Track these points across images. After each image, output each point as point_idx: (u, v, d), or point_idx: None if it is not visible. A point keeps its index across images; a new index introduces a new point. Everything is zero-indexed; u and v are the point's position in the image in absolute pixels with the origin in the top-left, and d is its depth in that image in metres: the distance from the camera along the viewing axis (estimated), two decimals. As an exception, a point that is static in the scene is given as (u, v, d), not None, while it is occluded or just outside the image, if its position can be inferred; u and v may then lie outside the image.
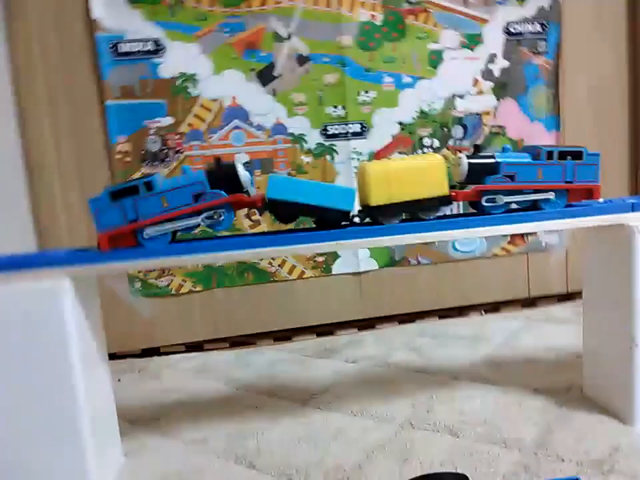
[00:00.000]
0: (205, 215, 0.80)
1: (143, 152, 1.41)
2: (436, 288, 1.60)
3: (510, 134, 1.57)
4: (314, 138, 1.48)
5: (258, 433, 0.97)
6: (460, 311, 1.65)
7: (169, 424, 1.03)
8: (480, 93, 1.54)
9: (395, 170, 0.82)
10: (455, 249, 1.59)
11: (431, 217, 0.84)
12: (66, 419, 0.78)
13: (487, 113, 1.55)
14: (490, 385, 1.07)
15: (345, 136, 1.49)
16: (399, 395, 1.07)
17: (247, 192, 0.82)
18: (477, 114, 1.54)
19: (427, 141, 1.53)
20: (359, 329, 1.59)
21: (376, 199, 0.81)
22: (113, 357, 1.47)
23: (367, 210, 0.83)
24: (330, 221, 0.82)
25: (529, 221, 0.84)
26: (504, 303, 1.66)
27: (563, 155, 0.84)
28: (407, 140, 1.52)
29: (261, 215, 1.44)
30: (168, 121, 1.41)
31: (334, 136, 1.49)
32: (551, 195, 0.85)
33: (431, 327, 1.49)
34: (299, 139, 1.47)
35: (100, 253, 0.79)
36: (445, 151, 1.54)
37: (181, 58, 1.38)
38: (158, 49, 1.38)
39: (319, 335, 1.57)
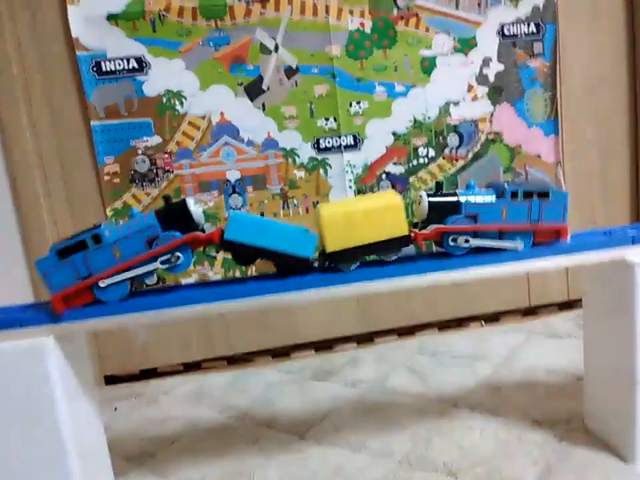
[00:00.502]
0: (161, 259, 0.76)
1: (131, 172, 1.38)
2: (435, 299, 1.57)
3: (507, 140, 1.52)
4: (306, 152, 1.44)
5: (254, 471, 0.95)
6: (459, 322, 1.63)
7: (166, 461, 1.02)
8: (475, 98, 1.49)
9: (351, 213, 0.78)
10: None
11: (392, 258, 0.81)
12: (55, 470, 0.77)
13: (483, 120, 1.50)
14: (489, 415, 1.05)
15: (337, 149, 1.45)
16: (398, 425, 1.05)
17: (202, 229, 0.79)
18: (473, 121, 1.50)
19: (422, 151, 1.49)
20: (358, 343, 1.57)
21: (332, 246, 0.78)
22: (110, 379, 1.46)
23: (324, 255, 0.80)
24: (288, 266, 0.79)
25: (508, 260, 0.81)
26: (504, 313, 1.63)
27: (528, 194, 0.80)
28: (402, 150, 1.48)
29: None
30: (155, 140, 1.37)
31: (327, 149, 1.45)
32: (519, 245, 0.81)
33: (431, 342, 1.47)
34: (290, 153, 1.44)
35: (56, 314, 0.75)
36: (440, 160, 1.50)
37: (165, 75, 1.34)
38: (141, 67, 1.33)
39: (318, 350, 1.56)
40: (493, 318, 1.64)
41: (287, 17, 1.36)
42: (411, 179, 1.50)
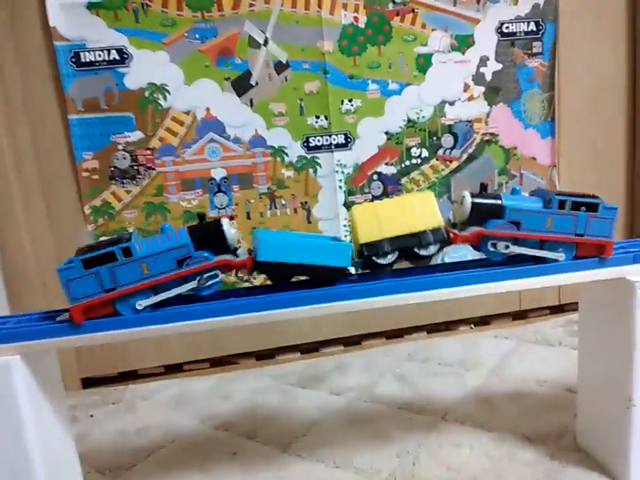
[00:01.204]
0: (191, 282, 0.73)
1: (111, 169, 1.32)
2: (424, 302, 1.53)
3: (503, 142, 1.48)
4: (295, 150, 1.39)
5: (234, 488, 0.91)
6: (449, 325, 1.59)
7: (141, 475, 0.98)
8: (471, 98, 1.44)
9: (381, 205, 0.79)
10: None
11: (430, 257, 0.77)
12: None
13: (479, 120, 1.46)
14: (479, 430, 1.02)
15: (328, 148, 1.40)
16: (385, 439, 1.02)
17: (234, 251, 0.76)
18: (468, 121, 1.45)
19: (415, 151, 1.45)
20: (345, 346, 1.54)
21: (365, 236, 0.76)
22: (88, 382, 1.41)
23: (359, 253, 0.78)
24: (327, 278, 0.77)
25: (515, 277, 0.77)
26: (494, 317, 1.61)
27: (576, 205, 0.76)
28: (394, 150, 1.44)
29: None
30: (137, 135, 1.31)
31: (316, 148, 1.39)
32: (561, 256, 0.78)
33: (420, 347, 1.44)
34: (279, 151, 1.38)
35: (74, 324, 0.72)
36: (434, 161, 1.46)
37: (148, 67, 1.28)
38: (123, 58, 1.27)
39: (304, 352, 1.52)
40: (483, 321, 1.61)
41: (278, 9, 1.30)
42: (403, 180, 1.46)
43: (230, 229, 0.75)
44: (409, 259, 0.79)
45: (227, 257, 0.74)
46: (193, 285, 0.73)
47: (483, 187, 0.80)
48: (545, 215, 0.76)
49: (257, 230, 0.79)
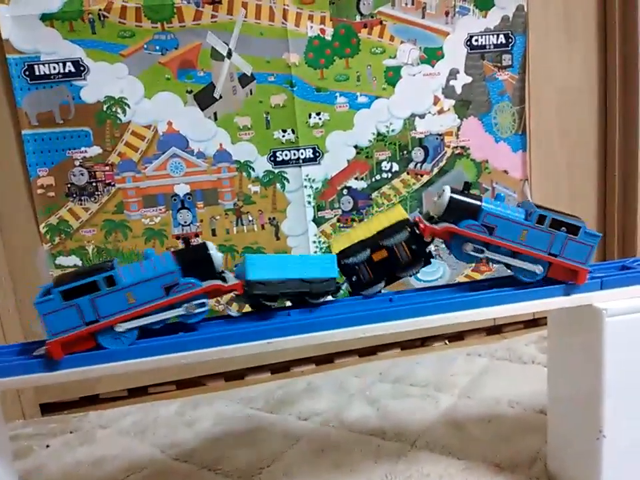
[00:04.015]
0: (178, 309, 0.69)
1: (68, 185, 1.26)
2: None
3: (474, 155, 1.46)
4: (262, 165, 1.35)
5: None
6: (423, 341, 1.56)
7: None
8: (441, 111, 1.42)
9: (354, 227, 0.83)
10: (417, 279, 1.49)
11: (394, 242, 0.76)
12: None
13: (449, 134, 1.44)
14: (450, 458, 0.98)
15: (296, 162, 1.36)
16: (351, 470, 0.98)
17: (222, 276, 0.73)
18: (439, 135, 1.43)
19: (385, 165, 1.42)
20: (316, 364, 1.50)
21: (336, 247, 0.78)
22: (47, 408, 1.35)
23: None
24: (320, 292, 0.75)
25: (473, 306, 0.74)
26: (469, 332, 1.58)
27: (557, 224, 0.73)
28: (364, 165, 1.40)
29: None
30: (95, 150, 1.26)
31: (284, 162, 1.36)
32: (539, 269, 0.74)
33: (392, 366, 1.40)
34: (245, 166, 1.34)
35: (52, 360, 0.67)
36: (404, 175, 1.43)
37: (106, 80, 1.23)
38: (79, 71, 1.22)
39: (274, 372, 1.47)
40: (457, 336, 1.59)
41: (241, 20, 1.26)
42: (374, 195, 1.43)
43: (217, 253, 0.72)
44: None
45: (217, 283, 0.71)
46: (180, 312, 0.70)
47: (467, 185, 0.77)
48: (521, 226, 0.73)
49: (245, 255, 0.76)
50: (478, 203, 0.74)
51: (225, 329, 0.72)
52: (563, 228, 0.73)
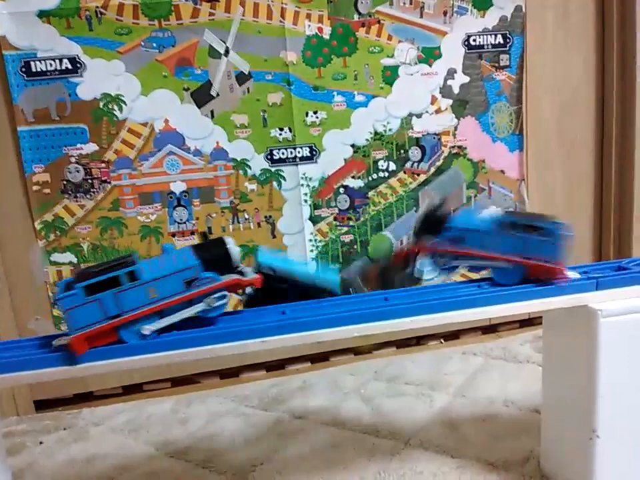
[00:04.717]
0: (198, 304, 0.70)
1: (64, 182, 1.26)
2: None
3: (471, 155, 1.46)
4: (258, 163, 1.34)
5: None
6: (419, 340, 1.57)
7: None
8: (438, 111, 1.42)
9: None
10: (413, 278, 1.48)
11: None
12: None
13: (446, 133, 1.44)
14: (443, 456, 0.98)
15: (292, 161, 1.36)
16: (345, 468, 0.98)
17: (239, 270, 0.74)
18: (436, 134, 1.43)
19: (382, 164, 1.42)
20: (312, 362, 1.50)
21: None
22: (41, 404, 1.34)
23: None
24: (319, 292, 0.79)
25: (468, 306, 0.74)
26: (464, 331, 1.58)
27: (526, 227, 0.74)
28: (361, 163, 1.40)
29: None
30: (91, 147, 1.26)
31: (281, 161, 1.35)
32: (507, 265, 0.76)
33: (388, 365, 1.40)
34: (241, 164, 1.34)
35: (73, 355, 0.67)
36: (401, 174, 1.43)
37: (102, 77, 1.23)
38: (76, 68, 1.21)
39: (269, 370, 1.47)
40: (453, 335, 1.59)
41: (239, 18, 1.26)
42: (370, 194, 1.43)
43: (234, 248, 0.73)
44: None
45: (236, 277, 0.72)
46: (200, 307, 0.70)
47: (444, 200, 0.79)
48: (489, 234, 0.75)
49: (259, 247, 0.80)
50: (444, 218, 0.77)
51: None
52: (527, 229, 0.75)
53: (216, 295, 0.70)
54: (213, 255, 0.71)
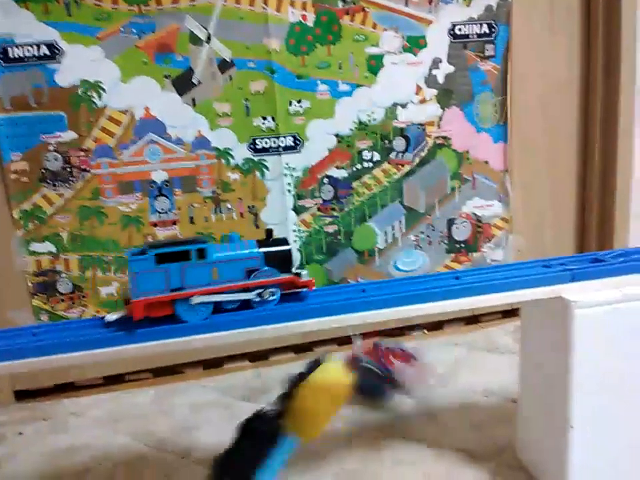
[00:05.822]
0: (255, 292, 0.72)
1: (42, 171, 1.24)
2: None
3: (455, 145, 1.46)
4: (241, 153, 1.33)
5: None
6: (402, 330, 1.57)
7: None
8: (423, 101, 1.41)
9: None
10: (397, 268, 1.49)
11: None
12: None
13: (431, 123, 1.43)
14: (422, 447, 0.99)
15: (276, 150, 1.35)
16: (324, 458, 0.98)
17: (296, 272, 0.75)
18: (420, 124, 1.42)
19: (366, 155, 1.41)
20: (295, 353, 1.50)
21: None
22: (21, 395, 1.33)
23: None
24: None
25: (443, 298, 0.74)
26: (448, 321, 1.59)
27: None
28: (345, 154, 1.39)
29: None
30: (70, 135, 1.24)
31: (264, 150, 1.34)
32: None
33: (370, 355, 1.40)
34: (224, 153, 1.32)
35: (133, 323, 0.68)
36: (386, 165, 1.42)
37: (81, 63, 1.20)
38: (54, 54, 1.19)
39: (253, 360, 1.47)
40: (436, 326, 1.59)
41: (221, 4, 1.24)
42: (355, 184, 1.42)
43: (295, 251, 0.76)
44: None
45: (293, 276, 0.74)
46: (252, 296, 0.72)
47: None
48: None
49: None
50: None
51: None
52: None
53: (270, 289, 0.73)
54: (275, 251, 0.74)
